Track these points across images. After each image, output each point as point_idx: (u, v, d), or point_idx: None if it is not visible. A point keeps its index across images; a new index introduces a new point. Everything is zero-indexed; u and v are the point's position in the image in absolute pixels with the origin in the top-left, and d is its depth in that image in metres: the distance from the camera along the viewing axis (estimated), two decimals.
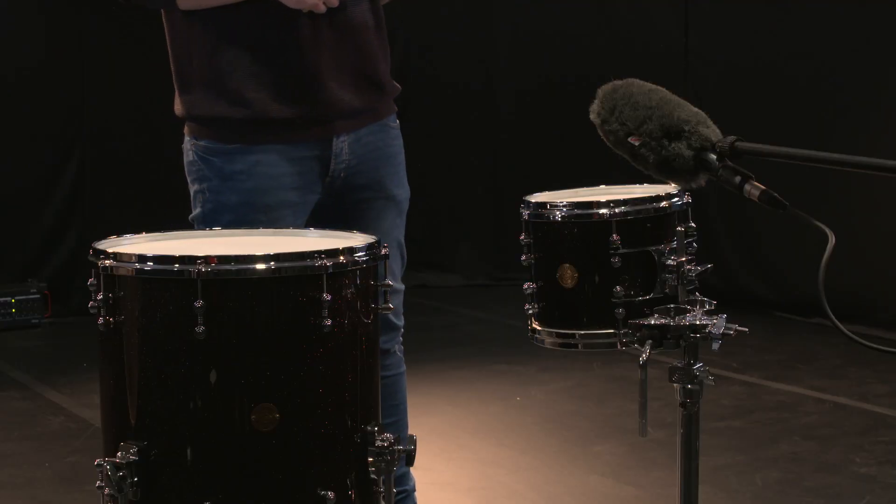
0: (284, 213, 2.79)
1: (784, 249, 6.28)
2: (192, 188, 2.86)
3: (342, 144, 2.84)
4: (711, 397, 4.74)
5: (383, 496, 1.98)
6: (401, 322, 3.02)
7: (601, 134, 1.97)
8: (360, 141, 2.87)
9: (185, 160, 2.87)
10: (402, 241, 3.01)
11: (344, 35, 2.79)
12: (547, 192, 2.58)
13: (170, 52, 2.85)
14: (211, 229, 2.47)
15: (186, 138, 2.87)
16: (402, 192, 2.99)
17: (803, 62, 6.18)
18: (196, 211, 2.85)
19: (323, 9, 2.70)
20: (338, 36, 2.78)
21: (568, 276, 2.44)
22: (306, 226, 2.79)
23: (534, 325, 2.52)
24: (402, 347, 3.05)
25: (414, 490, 3.08)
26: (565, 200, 2.47)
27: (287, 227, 2.70)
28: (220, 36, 2.75)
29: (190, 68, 2.80)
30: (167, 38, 2.86)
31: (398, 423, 3.00)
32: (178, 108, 2.87)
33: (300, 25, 2.74)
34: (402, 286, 3.00)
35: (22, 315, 6.53)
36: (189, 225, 2.83)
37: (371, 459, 1.97)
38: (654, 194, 2.46)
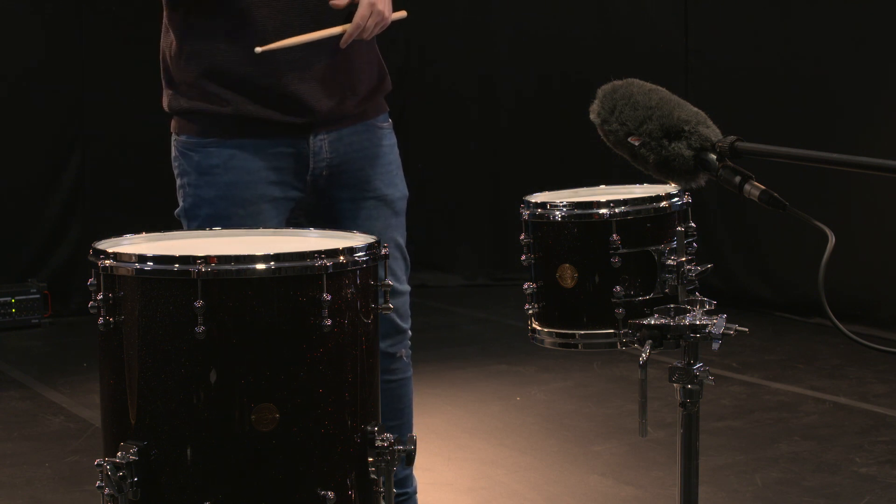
0: (264, 208, 2.80)
1: (784, 249, 6.28)
2: (176, 183, 2.89)
3: (321, 143, 2.84)
4: (711, 397, 4.74)
5: (383, 496, 1.98)
6: (407, 325, 2.98)
7: (601, 134, 1.97)
8: (343, 140, 2.86)
9: (172, 156, 2.91)
10: (402, 241, 2.97)
11: (322, 42, 2.73)
12: (547, 192, 2.58)
13: (160, 47, 2.87)
14: (211, 228, 2.47)
15: (172, 135, 2.91)
16: (395, 191, 2.95)
17: (803, 62, 6.18)
18: (179, 206, 2.88)
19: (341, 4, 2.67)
20: (316, 43, 2.73)
21: (568, 276, 2.43)
22: (303, 226, 2.78)
23: (534, 325, 2.52)
24: (410, 352, 3.03)
25: (416, 492, 3.08)
26: (565, 200, 2.47)
27: (268, 222, 2.74)
28: (205, 35, 2.76)
29: (176, 64, 2.82)
30: (161, 33, 2.88)
31: (402, 426, 2.99)
32: (163, 102, 2.90)
33: (281, 29, 2.72)
34: (406, 288, 2.98)
35: (22, 315, 6.53)
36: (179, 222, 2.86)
37: (371, 459, 1.97)
38: (654, 194, 2.46)
